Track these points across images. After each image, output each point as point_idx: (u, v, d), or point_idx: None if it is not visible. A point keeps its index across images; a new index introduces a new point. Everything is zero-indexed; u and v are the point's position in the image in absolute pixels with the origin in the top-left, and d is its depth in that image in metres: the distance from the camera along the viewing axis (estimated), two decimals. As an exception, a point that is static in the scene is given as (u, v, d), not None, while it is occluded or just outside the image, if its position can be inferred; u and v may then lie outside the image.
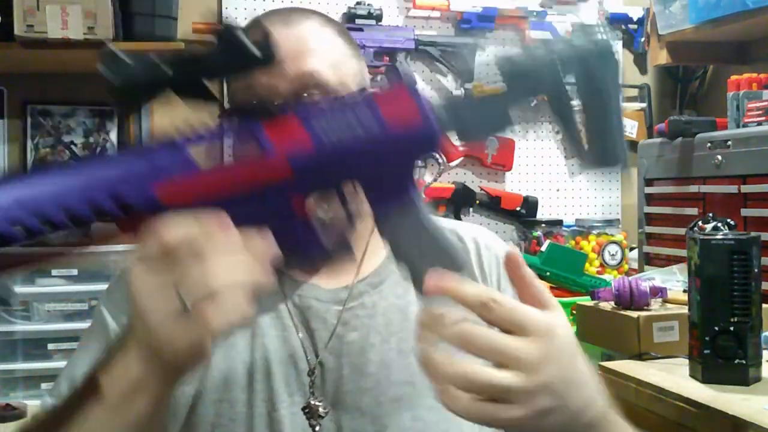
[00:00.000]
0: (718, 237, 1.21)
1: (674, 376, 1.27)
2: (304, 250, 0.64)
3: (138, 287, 0.57)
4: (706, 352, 1.19)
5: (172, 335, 0.57)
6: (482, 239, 1.00)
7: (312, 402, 0.85)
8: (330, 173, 0.62)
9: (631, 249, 2.46)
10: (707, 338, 1.19)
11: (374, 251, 0.97)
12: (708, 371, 1.20)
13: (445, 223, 1.04)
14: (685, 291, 1.62)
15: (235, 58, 0.59)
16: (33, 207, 0.56)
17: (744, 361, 1.19)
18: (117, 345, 0.64)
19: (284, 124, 0.62)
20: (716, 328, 1.18)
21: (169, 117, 2.32)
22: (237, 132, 0.67)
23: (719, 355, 1.18)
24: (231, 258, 0.57)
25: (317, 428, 0.84)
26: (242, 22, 0.94)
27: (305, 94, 0.84)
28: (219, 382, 0.85)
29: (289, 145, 0.61)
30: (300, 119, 0.62)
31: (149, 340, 0.58)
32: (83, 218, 0.58)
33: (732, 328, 1.18)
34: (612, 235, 2.45)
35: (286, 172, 0.61)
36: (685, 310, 1.33)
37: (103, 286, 0.97)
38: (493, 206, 2.54)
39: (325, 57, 0.87)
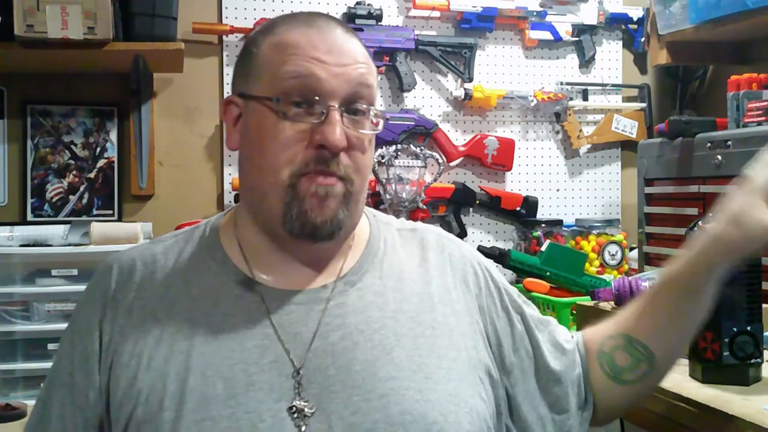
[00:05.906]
0: None
1: (674, 375, 1.27)
2: None
3: None
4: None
5: None
6: (446, 240, 1.06)
7: (297, 403, 0.85)
8: None
9: (631, 249, 2.46)
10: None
11: (353, 248, 0.98)
12: (708, 371, 1.20)
13: (400, 224, 1.07)
14: (685, 291, 1.62)
15: None
16: None
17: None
18: None
19: None
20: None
21: (169, 117, 2.32)
22: None
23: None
24: None
25: (303, 428, 0.84)
26: (242, 21, 0.94)
27: (357, 102, 0.90)
28: (197, 403, 0.85)
29: None
30: None
31: None
32: None
33: (749, 328, 1.18)
34: (612, 235, 2.45)
35: None
36: (685, 310, 1.32)
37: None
38: (493, 206, 2.54)
39: (372, 70, 0.94)
